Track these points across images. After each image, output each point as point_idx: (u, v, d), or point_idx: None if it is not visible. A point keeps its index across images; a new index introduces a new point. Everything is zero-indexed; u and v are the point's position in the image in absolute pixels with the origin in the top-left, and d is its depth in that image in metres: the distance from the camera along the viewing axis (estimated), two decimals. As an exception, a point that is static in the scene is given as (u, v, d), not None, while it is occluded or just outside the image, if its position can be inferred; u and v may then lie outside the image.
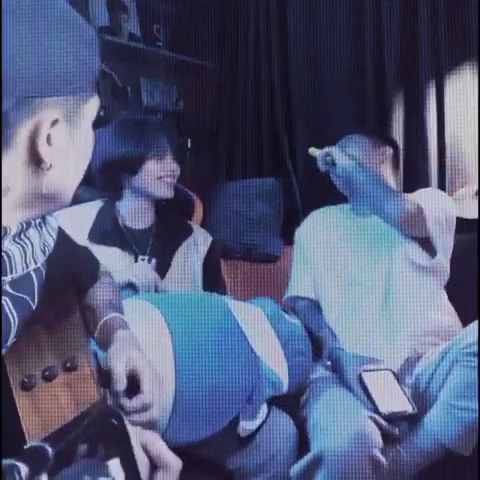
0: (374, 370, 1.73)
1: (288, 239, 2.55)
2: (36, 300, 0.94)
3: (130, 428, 0.64)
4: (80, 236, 1.88)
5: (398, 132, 2.62)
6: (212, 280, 2.02)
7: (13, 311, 0.88)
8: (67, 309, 1.04)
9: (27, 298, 0.92)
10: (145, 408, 1.07)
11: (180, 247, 1.97)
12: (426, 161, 2.55)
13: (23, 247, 0.90)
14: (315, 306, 2.01)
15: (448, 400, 1.58)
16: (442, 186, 2.54)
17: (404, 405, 1.64)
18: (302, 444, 1.68)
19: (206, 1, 3.01)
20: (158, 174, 1.93)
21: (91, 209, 1.99)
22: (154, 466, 0.71)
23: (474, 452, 1.58)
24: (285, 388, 1.67)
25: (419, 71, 2.61)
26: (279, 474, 1.62)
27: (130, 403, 1.07)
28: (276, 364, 1.65)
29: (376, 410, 1.62)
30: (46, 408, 0.85)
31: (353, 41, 2.74)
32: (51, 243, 0.99)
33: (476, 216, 2.08)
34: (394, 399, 1.66)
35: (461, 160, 2.51)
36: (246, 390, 1.57)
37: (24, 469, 0.52)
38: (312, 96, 2.81)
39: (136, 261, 1.93)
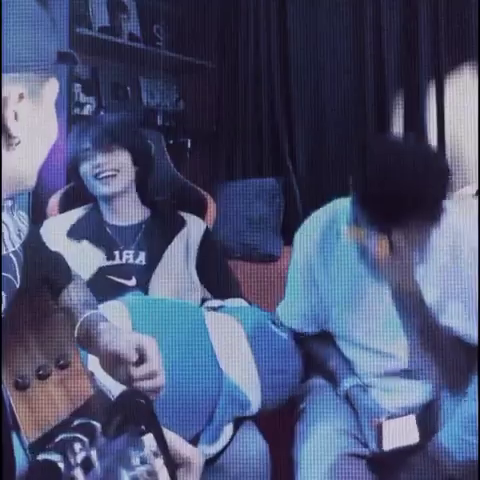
0: (396, 417, 1.57)
1: (288, 239, 2.55)
2: (19, 281, 0.95)
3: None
4: (57, 238, 1.88)
5: (398, 132, 2.62)
6: (213, 270, 2.00)
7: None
8: (50, 308, 1.04)
9: (10, 277, 0.93)
10: (152, 375, 1.10)
11: (173, 241, 1.95)
12: (426, 161, 2.54)
13: None
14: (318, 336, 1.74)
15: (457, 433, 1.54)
16: (442, 186, 2.54)
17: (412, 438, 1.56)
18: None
19: (206, 1, 3.01)
20: (92, 173, 1.92)
21: (74, 213, 2.01)
22: (175, 464, 0.70)
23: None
24: (254, 408, 1.59)
25: (419, 71, 2.61)
26: None
27: (138, 371, 1.10)
28: (247, 382, 1.58)
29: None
30: (42, 406, 0.86)
31: (353, 41, 2.75)
32: (25, 230, 1.01)
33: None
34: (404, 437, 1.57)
35: (461, 160, 2.51)
36: (207, 407, 1.51)
37: (77, 445, 0.54)
38: (312, 96, 2.81)
39: (108, 258, 1.92)
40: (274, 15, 2.91)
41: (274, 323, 1.73)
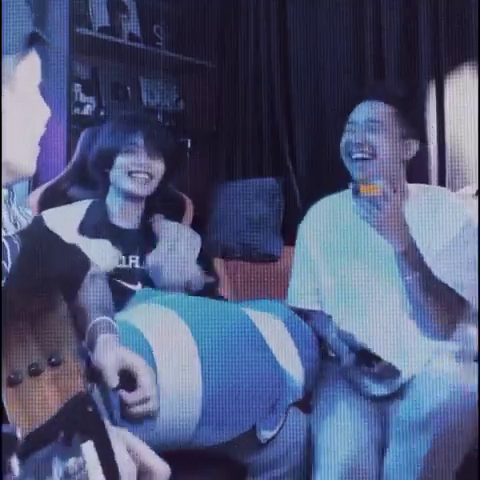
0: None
1: (288, 239, 2.55)
2: (9, 265, 0.95)
3: (115, 433, 0.65)
4: (70, 231, 1.88)
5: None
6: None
7: None
8: (51, 304, 1.04)
9: (3, 261, 0.93)
10: (145, 401, 1.10)
11: (154, 250, 1.95)
12: (426, 161, 2.55)
13: None
14: (321, 316, 1.86)
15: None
16: (442, 186, 2.54)
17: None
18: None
19: (206, 1, 3.01)
20: (129, 169, 1.92)
21: (81, 206, 1.99)
22: (140, 472, 0.70)
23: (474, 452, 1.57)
24: (302, 394, 1.69)
25: (419, 71, 2.61)
26: (293, 469, 1.64)
27: (131, 397, 1.12)
28: (295, 371, 1.67)
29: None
30: (33, 403, 0.86)
31: (353, 41, 2.75)
32: (23, 222, 1.00)
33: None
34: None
35: (461, 160, 2.51)
36: (270, 399, 1.59)
37: None
38: (312, 96, 2.81)
39: (126, 258, 1.93)
40: (274, 15, 2.91)
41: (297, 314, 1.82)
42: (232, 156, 3.01)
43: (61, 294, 1.08)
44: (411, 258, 1.68)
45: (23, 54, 0.90)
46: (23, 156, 0.91)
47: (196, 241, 2.04)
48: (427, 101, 2.57)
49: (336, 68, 2.76)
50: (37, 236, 1.06)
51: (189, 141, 3.00)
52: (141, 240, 1.97)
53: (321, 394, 1.75)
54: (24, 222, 1.03)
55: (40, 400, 0.87)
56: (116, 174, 1.94)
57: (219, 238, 2.66)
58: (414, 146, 1.84)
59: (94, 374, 1.12)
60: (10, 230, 0.97)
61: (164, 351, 1.48)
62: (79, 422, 0.60)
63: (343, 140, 1.85)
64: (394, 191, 1.67)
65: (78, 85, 2.78)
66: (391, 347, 1.71)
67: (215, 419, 1.49)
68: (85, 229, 1.92)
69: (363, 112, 1.84)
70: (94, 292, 1.24)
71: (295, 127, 2.88)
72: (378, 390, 1.71)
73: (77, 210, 1.98)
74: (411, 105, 1.98)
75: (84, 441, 0.60)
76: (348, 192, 1.83)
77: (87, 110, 2.82)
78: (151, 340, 1.49)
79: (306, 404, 1.73)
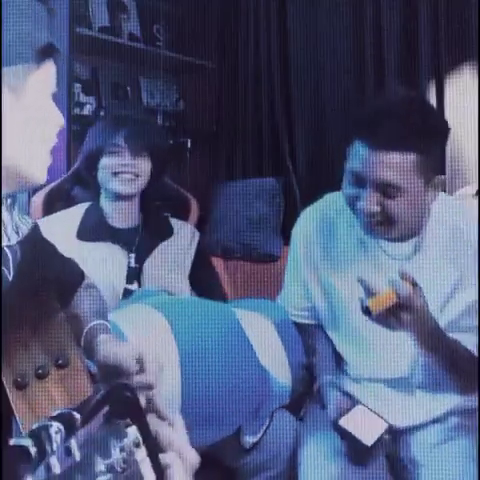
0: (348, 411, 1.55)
1: (288, 239, 2.55)
2: (12, 274, 0.96)
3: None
4: (69, 238, 1.89)
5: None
6: (205, 280, 2.01)
7: None
8: (50, 309, 1.04)
9: (4, 270, 0.93)
10: (148, 387, 1.10)
11: (156, 249, 1.95)
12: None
13: None
14: (313, 329, 1.71)
15: None
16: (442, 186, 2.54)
17: (381, 425, 1.53)
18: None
19: (206, 1, 3.01)
20: (113, 169, 1.91)
21: (77, 211, 1.99)
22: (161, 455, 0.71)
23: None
24: (288, 399, 1.67)
25: (419, 71, 2.61)
26: (281, 473, 1.62)
27: (134, 379, 1.11)
28: (282, 375, 1.64)
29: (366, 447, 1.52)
30: (40, 406, 0.86)
31: (353, 41, 2.75)
32: (24, 230, 1.01)
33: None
34: (372, 427, 1.53)
35: (461, 160, 2.51)
36: (252, 403, 1.57)
37: (54, 433, 0.54)
38: (312, 96, 2.81)
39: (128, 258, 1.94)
40: (274, 15, 2.91)
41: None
42: (232, 156, 3.01)
43: (55, 299, 1.09)
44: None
45: (38, 64, 0.90)
46: (34, 165, 0.92)
47: (193, 244, 2.03)
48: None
49: (336, 68, 2.76)
50: (34, 244, 1.06)
51: (189, 141, 3.00)
52: (137, 239, 1.97)
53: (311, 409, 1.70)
54: (25, 229, 1.03)
55: (47, 402, 0.87)
56: (102, 176, 1.94)
57: (219, 238, 2.66)
58: (441, 181, 1.44)
59: (102, 372, 1.12)
60: (13, 239, 0.97)
61: (143, 350, 1.47)
62: (119, 407, 0.62)
63: (345, 190, 1.46)
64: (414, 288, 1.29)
65: (78, 85, 2.78)
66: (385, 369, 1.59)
67: (195, 422, 1.44)
68: (83, 234, 1.92)
69: (372, 167, 1.37)
70: (89, 300, 1.24)
71: (295, 127, 2.88)
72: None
73: (74, 215, 1.98)
74: (434, 139, 1.44)
75: (127, 425, 0.63)
76: (336, 196, 1.61)
77: (87, 110, 2.82)
78: (132, 339, 1.47)
79: (295, 406, 1.71)
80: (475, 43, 2.31)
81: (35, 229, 1.09)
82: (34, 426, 0.55)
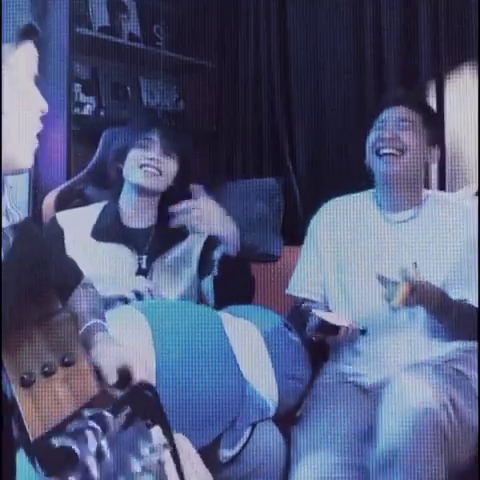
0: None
1: (288, 239, 2.55)
2: (2, 256, 0.96)
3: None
4: (83, 234, 1.89)
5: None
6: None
7: None
8: (51, 308, 1.04)
9: None
10: None
11: (165, 254, 1.95)
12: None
13: None
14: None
15: None
16: (442, 186, 2.54)
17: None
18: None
19: (206, 1, 3.01)
20: (140, 162, 1.94)
21: (94, 209, 2.01)
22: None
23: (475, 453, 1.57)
24: (272, 412, 1.63)
25: (419, 71, 2.61)
26: None
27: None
28: (266, 387, 1.61)
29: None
30: (46, 403, 0.86)
31: (353, 41, 2.75)
32: (15, 217, 1.00)
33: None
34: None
35: (461, 160, 2.51)
36: (230, 414, 1.54)
37: (90, 434, 0.55)
38: (312, 96, 2.81)
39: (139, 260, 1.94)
40: (274, 15, 2.91)
41: (287, 326, 1.76)
42: (232, 156, 3.01)
43: (57, 297, 1.09)
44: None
45: (18, 43, 0.90)
46: (18, 148, 0.91)
47: (202, 240, 2.02)
48: (427, 101, 2.57)
49: (336, 68, 2.76)
50: (30, 239, 1.06)
51: (184, 135, 3.00)
52: (150, 240, 1.97)
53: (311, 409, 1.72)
54: (16, 217, 1.02)
55: (53, 399, 0.88)
56: (128, 167, 1.96)
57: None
58: (436, 153, 1.94)
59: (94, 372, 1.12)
60: (3, 222, 0.97)
61: (132, 361, 1.44)
62: (141, 406, 0.62)
63: (372, 136, 1.89)
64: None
65: (78, 85, 2.78)
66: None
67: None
68: (97, 233, 1.93)
69: (394, 112, 1.89)
70: (86, 299, 1.24)
71: (295, 127, 2.88)
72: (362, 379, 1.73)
73: (90, 213, 1.99)
74: (435, 115, 2.07)
75: (150, 426, 0.63)
76: (368, 194, 1.91)
77: (87, 110, 2.82)
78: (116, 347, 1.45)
79: (283, 420, 1.67)
80: (475, 43, 2.31)
81: (29, 224, 1.09)
82: (72, 427, 0.55)
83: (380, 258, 1.80)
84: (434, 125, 1.98)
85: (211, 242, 2.00)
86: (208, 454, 1.50)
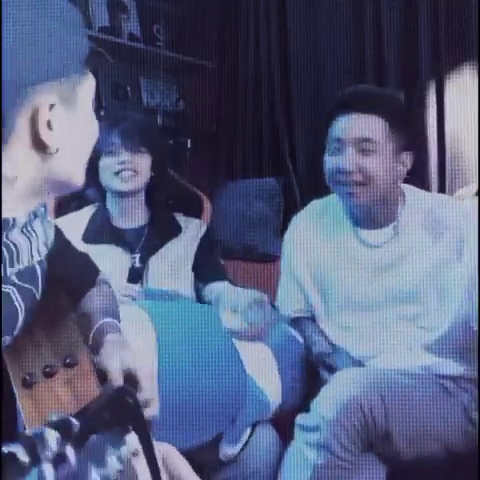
0: None
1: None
2: (40, 291, 0.95)
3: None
4: (76, 240, 1.90)
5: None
6: (209, 271, 2.00)
7: (20, 301, 0.90)
8: (63, 308, 1.04)
9: (33, 289, 0.93)
10: (146, 404, 1.09)
11: (161, 249, 1.95)
12: (426, 161, 2.55)
13: (29, 238, 0.92)
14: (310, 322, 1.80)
15: None
16: (442, 186, 2.54)
17: None
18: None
19: (206, 1, 3.01)
20: (113, 169, 1.93)
21: (85, 213, 2.01)
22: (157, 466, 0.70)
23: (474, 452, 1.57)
24: (273, 411, 1.62)
25: (419, 71, 2.61)
26: None
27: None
28: (269, 386, 1.61)
29: None
30: (47, 405, 0.86)
31: (353, 41, 2.75)
32: (51, 236, 1.00)
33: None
34: None
35: (461, 160, 2.51)
36: (231, 411, 1.54)
37: (51, 437, 0.54)
38: (312, 96, 2.81)
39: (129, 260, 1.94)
40: (274, 15, 2.92)
41: (290, 326, 1.77)
42: (232, 156, 3.01)
43: (67, 299, 1.08)
44: None
45: (83, 74, 0.90)
46: (76, 171, 0.92)
47: (198, 237, 2.02)
48: (427, 101, 2.57)
49: (336, 68, 2.76)
50: (55, 244, 1.06)
51: (189, 141, 3.00)
52: (143, 238, 1.98)
53: None
54: (52, 236, 1.02)
55: (54, 401, 0.87)
56: (103, 177, 1.96)
57: (219, 238, 2.66)
58: (408, 160, 1.66)
59: (100, 374, 1.12)
60: (42, 252, 0.96)
61: (138, 365, 1.44)
62: (120, 412, 0.61)
63: (327, 164, 1.65)
64: None
65: (78, 85, 2.78)
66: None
67: (172, 424, 1.40)
68: (88, 236, 1.93)
69: (351, 128, 1.60)
70: (100, 297, 1.23)
71: (295, 127, 2.88)
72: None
73: (81, 217, 1.99)
74: (404, 113, 1.77)
75: (126, 432, 0.61)
76: (332, 198, 1.77)
77: (87, 110, 2.82)
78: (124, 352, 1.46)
79: (283, 421, 1.65)
80: (475, 43, 2.31)
81: (58, 232, 1.09)
82: (29, 432, 0.54)
83: (360, 285, 1.69)
84: (402, 129, 1.63)
85: (207, 238, 2.00)
86: (209, 453, 1.51)
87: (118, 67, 2.98)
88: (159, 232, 1.98)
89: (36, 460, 0.51)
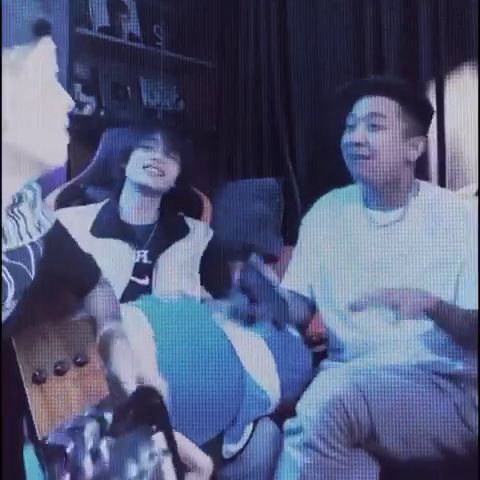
0: None
1: (288, 239, 2.55)
2: (33, 271, 0.96)
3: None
4: (83, 232, 1.91)
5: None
6: (215, 276, 2.03)
7: (9, 277, 0.91)
8: (72, 306, 1.05)
9: (24, 267, 0.93)
10: None
11: (170, 248, 1.98)
12: (426, 161, 2.55)
13: (16, 221, 0.92)
14: (304, 302, 1.86)
15: None
16: (442, 186, 2.54)
17: None
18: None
19: (206, 1, 3.01)
20: (144, 163, 1.98)
21: (94, 208, 2.04)
22: (185, 467, 0.71)
23: (474, 451, 1.57)
24: (273, 407, 1.63)
25: (419, 71, 2.61)
26: None
27: None
28: (267, 382, 1.62)
29: None
30: (56, 402, 0.87)
31: (353, 41, 2.75)
32: (47, 225, 1.01)
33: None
34: None
35: (461, 160, 2.51)
36: (231, 409, 1.55)
37: (88, 435, 0.54)
38: (312, 96, 2.81)
39: (136, 256, 1.96)
40: (274, 15, 2.92)
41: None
42: (232, 156, 3.01)
43: (76, 298, 1.09)
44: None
45: (33, 42, 0.89)
46: (50, 146, 0.90)
47: (205, 241, 2.05)
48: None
49: (336, 68, 2.76)
50: (58, 240, 1.06)
51: (187, 140, 3.00)
52: (152, 236, 2.00)
53: None
54: (48, 225, 1.02)
55: (63, 398, 0.88)
56: (131, 167, 2.00)
57: (219, 238, 2.66)
58: (420, 145, 1.74)
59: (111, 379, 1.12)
60: (34, 235, 0.97)
61: (143, 369, 1.44)
62: (148, 412, 0.62)
63: (343, 139, 1.76)
64: None
65: (78, 85, 2.78)
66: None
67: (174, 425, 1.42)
68: (96, 229, 1.95)
69: (365, 106, 1.72)
70: (102, 299, 1.23)
71: (295, 127, 2.88)
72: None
73: (90, 212, 2.02)
74: (417, 98, 1.85)
75: (153, 431, 0.62)
76: (354, 188, 1.83)
77: (87, 110, 2.82)
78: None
79: (282, 416, 1.64)
80: (475, 43, 2.31)
81: (58, 225, 1.09)
82: (69, 425, 0.55)
83: (365, 263, 1.74)
84: (416, 113, 1.73)
85: (215, 243, 2.03)
86: (211, 451, 1.51)
87: (118, 67, 2.98)
88: (168, 231, 2.01)
89: (77, 454, 0.52)
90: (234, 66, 3.01)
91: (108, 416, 0.58)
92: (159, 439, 0.63)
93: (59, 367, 0.91)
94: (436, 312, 1.57)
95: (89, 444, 0.54)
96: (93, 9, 2.83)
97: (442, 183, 2.55)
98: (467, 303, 1.63)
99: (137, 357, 1.17)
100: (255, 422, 1.62)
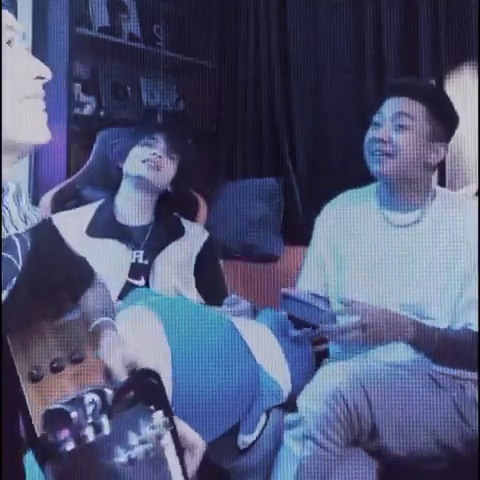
0: None
1: (288, 239, 2.55)
2: (21, 262, 0.96)
3: None
4: (79, 234, 1.91)
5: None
6: (208, 279, 2.03)
7: None
8: (67, 304, 1.05)
9: (11, 257, 0.93)
10: None
11: (167, 248, 1.98)
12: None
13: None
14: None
15: None
16: (442, 186, 2.54)
17: None
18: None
19: (206, 1, 3.01)
20: (143, 157, 2.00)
21: (90, 209, 2.04)
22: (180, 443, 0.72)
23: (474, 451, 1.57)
24: (286, 396, 1.66)
25: (419, 71, 2.61)
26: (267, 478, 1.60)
27: None
28: (279, 373, 1.65)
29: None
30: (53, 399, 0.87)
31: (353, 41, 2.75)
32: (34, 220, 1.00)
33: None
34: None
35: (461, 160, 2.51)
36: (245, 402, 1.57)
37: (90, 405, 0.56)
38: (312, 96, 2.81)
39: (132, 256, 1.96)
40: (274, 15, 2.91)
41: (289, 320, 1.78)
42: (232, 156, 3.01)
43: (69, 297, 1.09)
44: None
45: None
46: (29, 124, 0.87)
47: (200, 243, 2.06)
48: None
49: (336, 68, 2.76)
50: (47, 239, 1.06)
51: (189, 141, 3.00)
52: (147, 236, 2.00)
53: None
54: (34, 220, 1.02)
55: (60, 395, 0.88)
56: (129, 162, 2.02)
57: (219, 238, 2.66)
58: (441, 151, 1.78)
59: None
60: (20, 227, 0.97)
61: (138, 358, 1.45)
62: (145, 392, 0.64)
63: (368, 133, 1.79)
64: None
65: (78, 85, 2.78)
66: None
67: (188, 420, 1.43)
68: (92, 230, 1.96)
69: (394, 104, 1.77)
70: (95, 298, 1.24)
71: (295, 127, 2.88)
72: None
73: (86, 212, 2.03)
74: (445, 105, 1.88)
75: (151, 411, 0.64)
76: (372, 189, 1.84)
77: (87, 110, 2.82)
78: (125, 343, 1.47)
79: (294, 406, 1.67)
80: (475, 43, 2.31)
81: (48, 223, 1.09)
82: (73, 396, 0.57)
83: (379, 263, 1.75)
84: (442, 120, 1.77)
85: (209, 245, 2.03)
86: (227, 442, 1.54)
87: (118, 67, 2.98)
88: (164, 232, 2.01)
89: (80, 422, 0.53)
90: (234, 66, 3.01)
91: (108, 390, 0.59)
92: (158, 416, 0.64)
93: (55, 364, 0.91)
94: (413, 341, 1.59)
95: (91, 415, 0.56)
96: (93, 9, 2.83)
97: (442, 183, 2.55)
98: (465, 313, 1.64)
99: (130, 348, 1.18)
100: (268, 412, 1.64)
